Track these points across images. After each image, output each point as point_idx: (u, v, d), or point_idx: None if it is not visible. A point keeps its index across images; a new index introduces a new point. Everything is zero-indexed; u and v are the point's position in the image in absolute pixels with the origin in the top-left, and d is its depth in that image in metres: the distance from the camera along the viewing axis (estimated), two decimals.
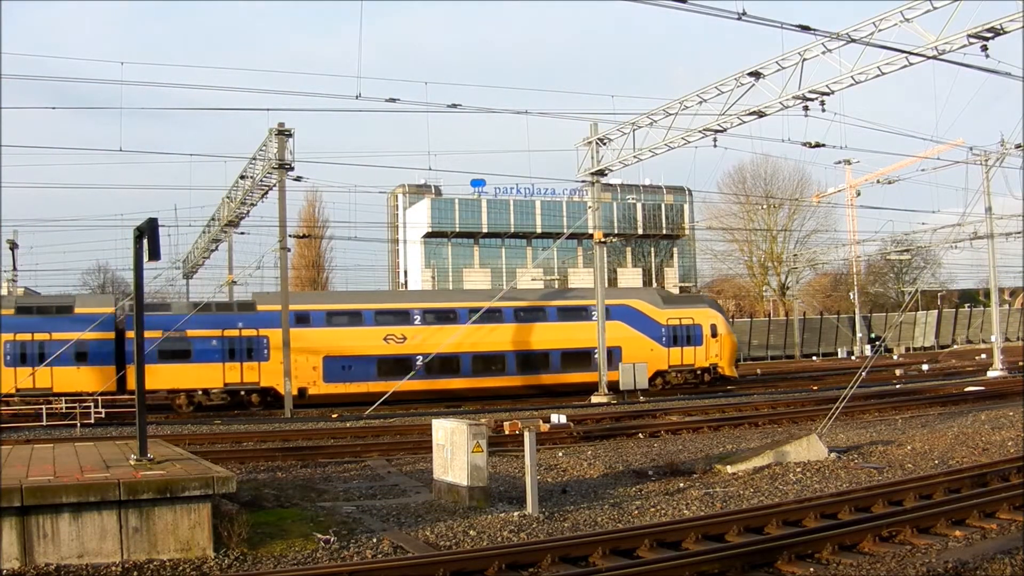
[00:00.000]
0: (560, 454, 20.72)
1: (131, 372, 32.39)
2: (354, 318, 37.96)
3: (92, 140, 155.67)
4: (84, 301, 37.64)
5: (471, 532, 12.48)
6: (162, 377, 34.55)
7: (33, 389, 33.46)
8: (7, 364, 33.61)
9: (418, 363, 35.93)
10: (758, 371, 56.15)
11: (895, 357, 64.76)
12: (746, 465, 17.52)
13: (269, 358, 35.65)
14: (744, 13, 19.25)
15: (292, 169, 35.31)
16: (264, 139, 36.55)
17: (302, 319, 36.64)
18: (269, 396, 36.13)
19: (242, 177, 40.34)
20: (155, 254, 12.62)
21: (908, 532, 11.44)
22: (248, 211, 42.40)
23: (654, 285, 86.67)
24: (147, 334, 30.29)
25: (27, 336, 33.90)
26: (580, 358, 38.79)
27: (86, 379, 33.63)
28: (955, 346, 75.90)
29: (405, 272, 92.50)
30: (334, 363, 35.62)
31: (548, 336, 39.29)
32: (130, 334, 33.36)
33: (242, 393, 36.27)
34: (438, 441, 15.04)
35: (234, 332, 35.90)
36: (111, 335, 34.85)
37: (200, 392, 35.71)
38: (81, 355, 34.13)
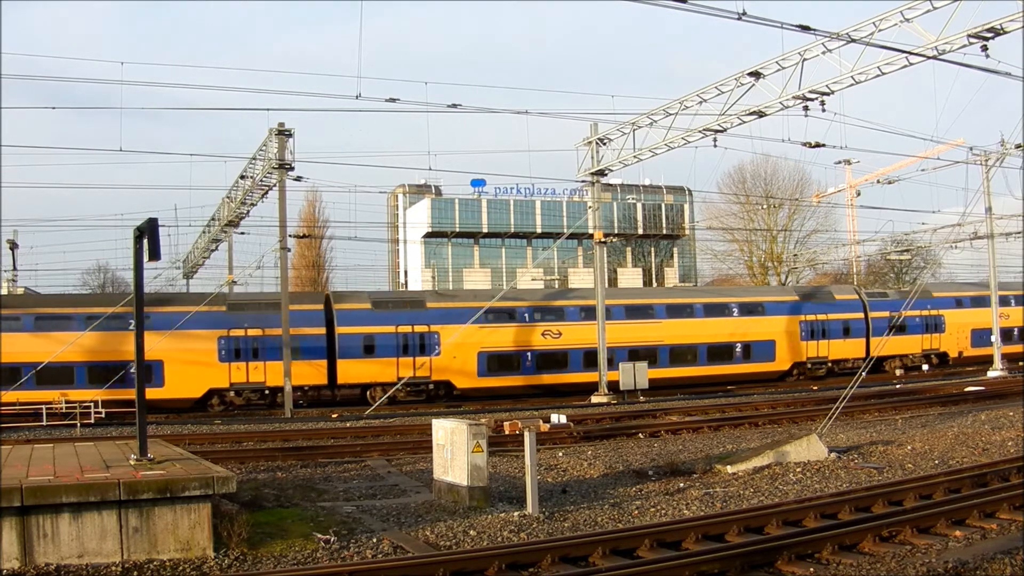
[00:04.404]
0: (560, 454, 20.72)
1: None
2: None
3: (92, 140, 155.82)
4: (839, 291, 48.37)
5: (471, 532, 12.48)
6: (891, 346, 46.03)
7: (819, 357, 44.91)
8: (802, 339, 44.20)
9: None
10: None
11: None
12: (746, 465, 17.52)
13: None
14: (744, 13, 19.24)
15: (292, 169, 35.30)
16: (264, 139, 36.54)
17: (960, 303, 49.21)
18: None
19: (242, 177, 40.29)
20: (155, 254, 12.62)
21: (908, 532, 11.44)
22: (248, 211, 42.33)
23: (654, 285, 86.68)
24: (880, 314, 45.26)
25: (813, 317, 44.44)
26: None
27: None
28: None
29: (405, 272, 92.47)
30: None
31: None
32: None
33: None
34: (438, 441, 15.04)
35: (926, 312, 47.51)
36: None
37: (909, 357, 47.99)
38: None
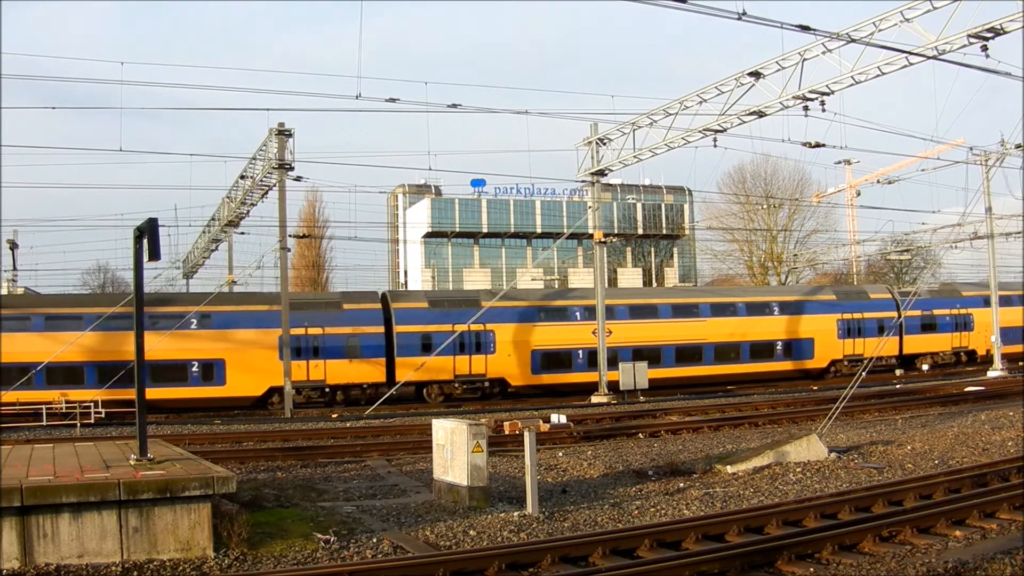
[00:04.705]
0: (560, 454, 20.72)
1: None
2: None
3: (92, 140, 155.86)
4: (873, 290, 50.17)
5: (471, 532, 12.47)
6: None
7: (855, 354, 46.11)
8: (838, 337, 45.83)
9: None
10: None
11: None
12: (746, 465, 17.52)
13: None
14: (744, 13, 19.23)
15: (292, 169, 35.28)
16: (264, 139, 36.53)
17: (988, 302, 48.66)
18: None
19: (242, 177, 40.29)
20: (155, 254, 12.61)
21: (908, 532, 11.44)
22: (248, 211, 42.32)
23: (654, 285, 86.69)
24: (913, 313, 45.55)
25: (849, 315, 46.34)
26: None
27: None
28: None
29: (405, 272, 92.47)
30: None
31: None
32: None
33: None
34: (438, 441, 15.03)
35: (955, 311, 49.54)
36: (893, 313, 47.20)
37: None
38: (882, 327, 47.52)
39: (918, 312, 45.90)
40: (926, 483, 14.70)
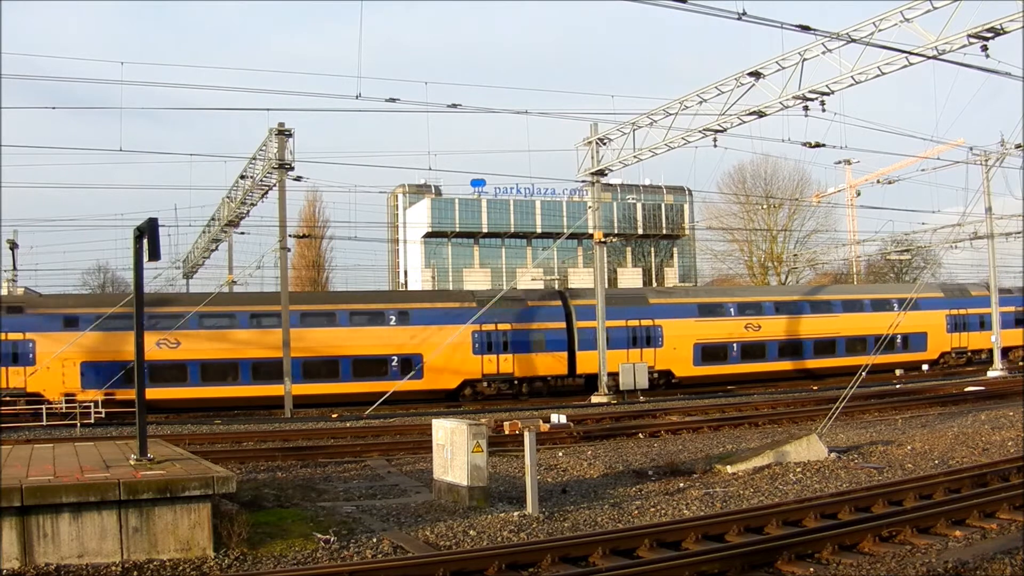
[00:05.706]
0: (560, 454, 20.72)
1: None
2: None
3: (92, 140, 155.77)
4: (974, 288, 51.75)
5: (471, 532, 12.47)
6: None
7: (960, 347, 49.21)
8: (947, 331, 48.53)
9: None
10: None
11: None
12: (746, 465, 17.52)
13: None
14: (744, 13, 19.25)
15: (292, 169, 35.30)
16: (264, 139, 36.53)
17: None
18: None
19: (242, 177, 40.30)
20: (155, 254, 12.61)
21: (908, 532, 11.44)
22: (248, 211, 42.35)
23: (654, 285, 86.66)
24: (1007, 309, 47.58)
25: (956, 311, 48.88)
26: None
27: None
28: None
29: (405, 272, 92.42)
30: None
31: None
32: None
33: None
34: (438, 441, 15.04)
35: None
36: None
37: None
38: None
39: (1012, 308, 48.35)
40: (926, 483, 14.70)
